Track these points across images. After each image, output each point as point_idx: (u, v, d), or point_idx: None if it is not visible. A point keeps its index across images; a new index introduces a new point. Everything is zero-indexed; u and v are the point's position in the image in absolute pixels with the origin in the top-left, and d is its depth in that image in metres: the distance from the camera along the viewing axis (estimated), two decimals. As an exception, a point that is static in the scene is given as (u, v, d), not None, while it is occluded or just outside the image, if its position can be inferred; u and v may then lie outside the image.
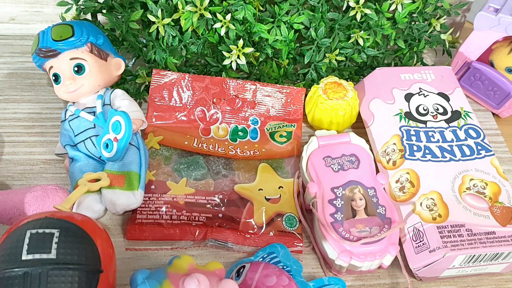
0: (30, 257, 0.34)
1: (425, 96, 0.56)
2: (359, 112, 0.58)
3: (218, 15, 0.54)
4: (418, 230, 0.46)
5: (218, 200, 0.51)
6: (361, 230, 0.46)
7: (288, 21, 0.56)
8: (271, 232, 0.50)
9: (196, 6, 0.53)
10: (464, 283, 0.49)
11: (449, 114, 0.54)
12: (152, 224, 0.49)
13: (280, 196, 0.52)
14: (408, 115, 0.54)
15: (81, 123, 0.52)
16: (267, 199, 0.52)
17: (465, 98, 0.56)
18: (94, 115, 0.52)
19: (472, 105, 0.64)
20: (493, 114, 0.65)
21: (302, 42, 0.60)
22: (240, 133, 0.57)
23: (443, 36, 0.64)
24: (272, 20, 0.56)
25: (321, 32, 0.57)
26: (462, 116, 0.54)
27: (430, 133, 0.52)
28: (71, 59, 0.52)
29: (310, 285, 0.45)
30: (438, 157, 0.50)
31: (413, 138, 0.52)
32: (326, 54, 0.59)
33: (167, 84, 0.58)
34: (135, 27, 0.57)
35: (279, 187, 0.53)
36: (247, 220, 0.50)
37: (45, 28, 0.53)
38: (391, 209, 0.47)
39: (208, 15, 0.54)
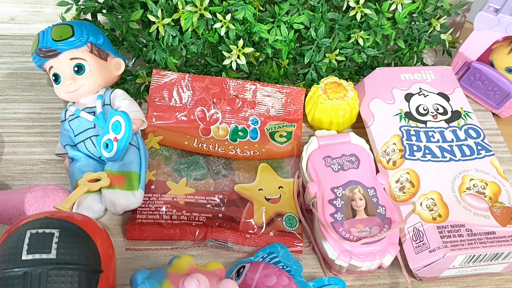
0: (30, 257, 0.34)
1: (425, 96, 0.56)
2: (359, 112, 0.58)
3: (218, 15, 0.54)
4: (418, 230, 0.46)
5: (218, 200, 0.51)
6: (361, 230, 0.46)
7: (288, 21, 0.56)
8: (271, 232, 0.50)
9: (196, 6, 0.53)
10: (464, 283, 0.49)
11: (449, 114, 0.54)
12: (152, 224, 0.49)
13: (280, 196, 0.52)
14: (408, 115, 0.54)
15: (81, 123, 0.52)
16: (267, 199, 0.52)
17: (465, 98, 0.56)
18: (94, 115, 0.52)
19: (472, 105, 0.64)
20: (493, 114, 0.65)
21: (302, 42, 0.60)
22: (240, 133, 0.57)
23: (443, 36, 0.64)
24: (272, 20, 0.56)
25: (321, 32, 0.57)
26: (462, 116, 0.54)
27: (430, 133, 0.52)
28: (71, 59, 0.52)
29: (310, 285, 0.45)
30: (438, 157, 0.50)
31: (413, 138, 0.52)
32: (326, 54, 0.59)
33: (167, 84, 0.58)
34: (135, 27, 0.57)
35: (279, 187, 0.53)
36: (247, 220, 0.50)
37: (45, 28, 0.53)
38: (391, 209, 0.47)
39: (208, 15, 0.54)
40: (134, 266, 0.48)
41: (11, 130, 0.58)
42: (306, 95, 0.59)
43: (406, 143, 0.51)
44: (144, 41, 0.60)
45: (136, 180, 0.49)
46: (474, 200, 0.48)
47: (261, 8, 0.57)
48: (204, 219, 0.50)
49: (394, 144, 0.52)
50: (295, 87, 0.59)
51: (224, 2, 0.54)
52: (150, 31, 0.56)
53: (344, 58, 0.60)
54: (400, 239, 0.48)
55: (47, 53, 0.52)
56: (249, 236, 0.49)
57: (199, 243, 0.49)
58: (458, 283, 0.49)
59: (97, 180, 0.48)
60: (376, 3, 0.58)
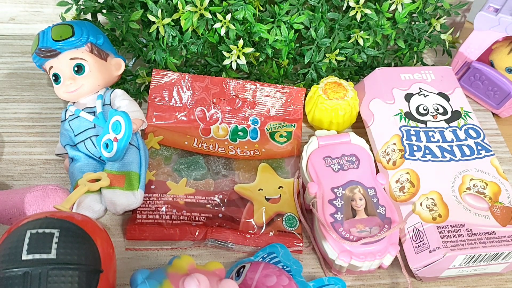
0: (30, 257, 0.34)
1: (425, 96, 0.56)
2: (359, 112, 0.58)
3: (218, 15, 0.54)
4: (418, 230, 0.46)
5: (218, 200, 0.51)
6: (361, 230, 0.46)
7: (288, 21, 0.56)
8: (271, 232, 0.50)
9: (196, 6, 0.53)
10: (464, 283, 0.49)
11: (449, 114, 0.54)
12: (152, 224, 0.49)
13: (280, 196, 0.52)
14: (408, 115, 0.54)
15: (81, 123, 0.52)
16: (267, 199, 0.52)
17: (465, 98, 0.56)
18: (94, 115, 0.52)
19: (472, 105, 0.64)
20: (493, 114, 0.65)
21: (302, 42, 0.60)
22: (240, 133, 0.58)
23: (443, 36, 0.64)
24: (272, 20, 0.56)
25: (321, 32, 0.57)
26: (462, 116, 0.54)
27: (430, 133, 0.52)
28: (71, 59, 0.52)
29: (310, 285, 0.45)
30: (438, 157, 0.50)
31: (413, 138, 0.52)
32: (326, 54, 0.59)
33: (167, 84, 0.58)
34: (135, 27, 0.57)
35: (279, 187, 0.53)
36: (247, 220, 0.50)
37: (45, 28, 0.53)
38: (391, 209, 0.47)
39: (208, 15, 0.54)
40: (134, 266, 0.48)
41: (11, 130, 0.58)
42: (306, 95, 0.59)
43: (406, 143, 0.51)
44: (144, 41, 0.60)
45: (136, 180, 0.49)
46: (474, 200, 0.48)
47: (261, 8, 0.57)
48: (204, 219, 0.50)
49: (394, 144, 0.52)
50: (295, 87, 0.59)
51: (224, 2, 0.54)
52: (150, 31, 0.56)
53: (344, 58, 0.60)
54: (400, 239, 0.48)
55: (47, 53, 0.52)
56: (249, 236, 0.49)
57: (199, 243, 0.49)
58: (458, 283, 0.49)
59: (97, 180, 0.48)
60: (376, 3, 0.58)
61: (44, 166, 0.55)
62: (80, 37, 0.52)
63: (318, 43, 0.58)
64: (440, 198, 0.47)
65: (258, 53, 0.59)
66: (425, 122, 0.53)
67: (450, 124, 0.53)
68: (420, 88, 0.56)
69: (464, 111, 0.55)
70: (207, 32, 0.57)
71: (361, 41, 0.58)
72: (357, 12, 0.57)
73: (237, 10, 0.54)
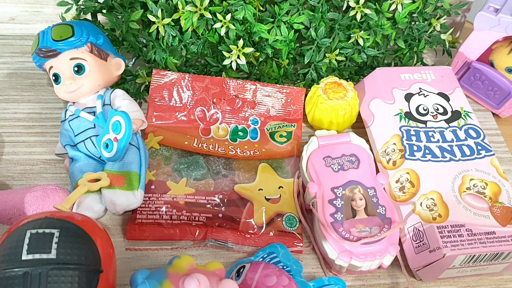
0: (30, 257, 0.34)
1: (425, 96, 0.56)
2: (359, 112, 0.58)
3: (218, 15, 0.54)
4: (418, 230, 0.46)
5: (218, 200, 0.51)
6: (361, 230, 0.46)
7: (288, 21, 0.56)
8: (271, 232, 0.50)
9: (196, 6, 0.53)
10: (464, 283, 0.49)
11: (449, 114, 0.54)
12: (152, 224, 0.49)
13: (280, 196, 0.52)
14: (408, 115, 0.54)
15: (81, 123, 0.52)
16: (267, 199, 0.52)
17: (465, 98, 0.56)
18: (94, 115, 0.52)
19: (472, 105, 0.64)
20: (493, 114, 0.65)
21: (302, 42, 0.60)
22: (240, 133, 0.57)
23: (443, 36, 0.64)
24: (272, 20, 0.56)
25: (321, 32, 0.57)
26: (462, 116, 0.54)
27: (430, 133, 0.52)
28: (71, 59, 0.52)
29: (310, 285, 0.45)
30: (438, 157, 0.50)
31: (413, 138, 0.52)
32: (326, 54, 0.59)
33: (167, 84, 0.58)
34: (135, 27, 0.57)
35: (279, 187, 0.53)
36: (247, 220, 0.50)
37: (45, 28, 0.53)
38: (391, 209, 0.47)
39: (208, 15, 0.54)
40: (134, 266, 0.48)
41: (11, 130, 0.58)
42: (306, 95, 0.59)
43: (406, 143, 0.51)
44: (144, 41, 0.60)
45: (136, 180, 0.49)
46: (474, 200, 0.48)
47: (261, 8, 0.57)
48: (204, 219, 0.50)
49: (394, 144, 0.52)
50: (295, 87, 0.59)
51: (224, 2, 0.54)
52: (150, 31, 0.56)
53: (344, 58, 0.60)
54: (400, 239, 0.48)
55: (47, 53, 0.52)
56: (249, 236, 0.49)
57: (199, 243, 0.49)
58: (458, 283, 0.49)
59: (97, 180, 0.48)
60: (376, 3, 0.58)
61: (44, 166, 0.55)
62: (80, 37, 0.52)
63: (318, 43, 0.58)
64: (440, 198, 0.47)
65: (258, 53, 0.59)
66: (425, 122, 0.53)
67: (450, 124, 0.53)
68: (420, 88, 0.56)
69: (464, 111, 0.55)
70: (207, 32, 0.57)
71: (361, 41, 0.58)
72: (357, 12, 0.57)
73: (237, 10, 0.54)
